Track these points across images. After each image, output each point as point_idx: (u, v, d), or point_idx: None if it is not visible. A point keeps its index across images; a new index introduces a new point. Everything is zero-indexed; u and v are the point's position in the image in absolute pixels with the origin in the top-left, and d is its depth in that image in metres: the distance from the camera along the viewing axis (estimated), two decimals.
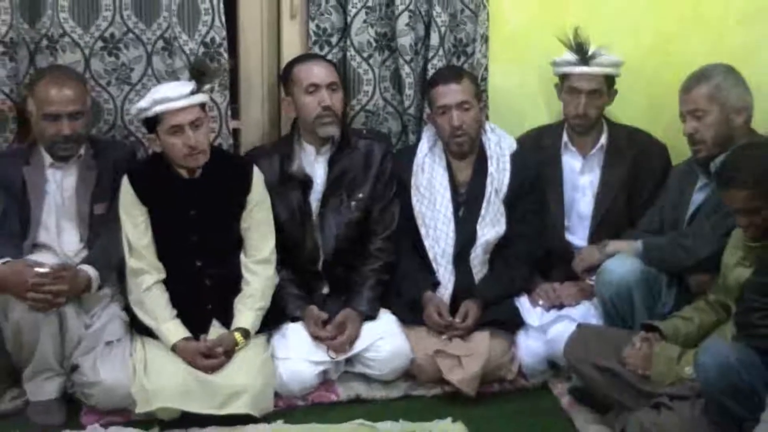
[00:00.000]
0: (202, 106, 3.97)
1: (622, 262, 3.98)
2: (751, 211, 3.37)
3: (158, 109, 3.84)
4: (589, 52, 4.29)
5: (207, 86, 4.05)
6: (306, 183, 4.27)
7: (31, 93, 4.02)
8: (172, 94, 3.86)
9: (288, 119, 4.45)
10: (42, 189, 4.03)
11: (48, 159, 4.05)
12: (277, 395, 3.97)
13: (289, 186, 4.25)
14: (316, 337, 4.09)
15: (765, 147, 3.32)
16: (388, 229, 4.35)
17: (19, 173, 4.02)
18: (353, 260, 4.33)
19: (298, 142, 4.33)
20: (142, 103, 3.89)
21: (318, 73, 4.21)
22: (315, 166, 4.29)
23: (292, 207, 4.25)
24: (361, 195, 4.29)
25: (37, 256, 3.91)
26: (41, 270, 3.75)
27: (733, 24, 4.30)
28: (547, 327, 4.21)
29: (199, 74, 3.99)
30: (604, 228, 4.40)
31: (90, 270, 3.89)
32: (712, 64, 4.02)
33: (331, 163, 4.27)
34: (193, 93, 3.89)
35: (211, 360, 3.85)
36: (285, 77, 4.31)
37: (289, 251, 4.25)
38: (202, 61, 4.16)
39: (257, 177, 4.09)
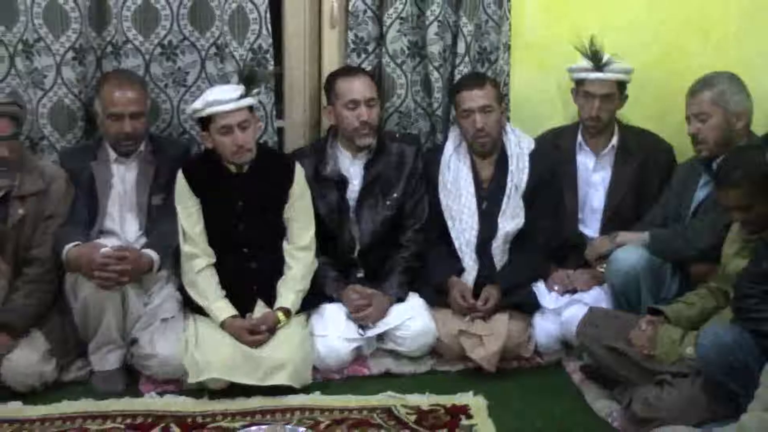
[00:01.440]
0: (250, 108, 3.98)
1: (631, 252, 4.00)
2: (744, 208, 3.39)
3: (210, 110, 3.87)
4: (603, 60, 4.28)
5: (255, 91, 4.05)
6: (342, 183, 4.27)
7: (98, 94, 4.08)
8: (223, 97, 3.88)
9: (328, 122, 4.44)
10: (107, 181, 4.08)
11: (113, 154, 4.09)
12: (314, 369, 3.99)
13: (326, 185, 4.26)
14: (356, 306, 4.13)
15: (757, 150, 3.31)
16: (419, 222, 4.35)
17: (88, 167, 4.07)
18: (386, 249, 4.34)
19: (333, 146, 4.33)
20: (197, 104, 3.93)
21: (358, 89, 4.19)
22: (351, 169, 4.29)
23: (331, 204, 4.26)
24: (395, 195, 4.30)
25: (103, 242, 3.94)
26: (108, 251, 3.80)
27: (733, 37, 4.27)
28: (561, 310, 4.21)
29: (248, 80, 4.00)
30: (614, 221, 4.38)
31: (152, 253, 3.94)
32: (718, 72, 4.01)
33: (367, 167, 4.28)
34: (242, 97, 3.91)
35: (256, 336, 3.88)
36: (328, 88, 4.30)
37: (328, 241, 4.27)
38: (252, 69, 4.16)
39: (299, 172, 4.10)
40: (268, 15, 4.32)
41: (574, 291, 4.30)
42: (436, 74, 4.49)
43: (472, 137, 4.28)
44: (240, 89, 3.95)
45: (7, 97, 4.11)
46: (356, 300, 4.16)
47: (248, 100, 3.95)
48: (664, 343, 3.55)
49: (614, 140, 4.44)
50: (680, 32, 4.61)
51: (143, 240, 4.08)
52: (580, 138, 4.49)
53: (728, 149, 3.83)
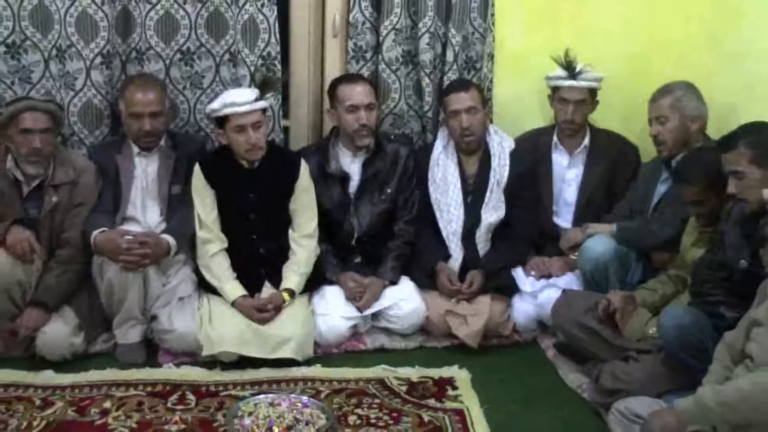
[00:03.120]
0: (263, 110, 3.98)
1: (600, 241, 4.02)
2: (699, 203, 3.43)
3: (227, 111, 3.88)
4: (577, 69, 4.31)
5: (268, 95, 4.07)
6: (344, 179, 4.28)
7: (122, 95, 4.08)
8: (239, 100, 3.88)
9: (329, 122, 4.45)
10: (131, 173, 4.09)
11: (135, 149, 4.10)
12: (316, 344, 4.00)
13: (330, 182, 4.26)
14: (353, 292, 4.15)
15: (711, 152, 3.33)
16: (410, 213, 4.36)
17: (113, 160, 4.08)
18: (381, 238, 4.34)
19: (335, 145, 4.32)
20: (215, 105, 3.93)
21: (358, 95, 4.18)
22: (351, 166, 4.30)
23: (334, 198, 4.26)
24: (389, 190, 4.31)
25: (126, 227, 3.97)
26: (131, 237, 3.82)
27: (692, 51, 4.29)
28: (537, 293, 4.24)
29: (263, 86, 4.01)
30: (585, 213, 4.40)
31: (170, 239, 3.95)
32: (677, 81, 4.04)
33: (366, 165, 4.28)
34: (256, 100, 3.92)
35: (264, 314, 3.89)
36: (331, 92, 4.29)
37: (330, 230, 4.28)
38: (266, 76, 4.16)
39: (304, 168, 4.10)
40: (277, 25, 4.31)
41: (549, 276, 4.31)
42: (427, 80, 4.50)
43: (459, 136, 4.29)
44: (255, 93, 3.95)
45: (46, 95, 4.13)
46: (353, 288, 4.17)
47: (262, 103, 3.96)
48: (635, 321, 3.59)
49: (586, 141, 4.46)
50: (645, 46, 4.62)
51: (163, 226, 4.08)
52: (555, 139, 4.50)
53: (685, 149, 3.88)
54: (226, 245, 4.07)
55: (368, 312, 4.16)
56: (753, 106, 3.73)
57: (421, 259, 4.34)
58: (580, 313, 3.76)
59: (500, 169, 4.33)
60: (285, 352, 3.83)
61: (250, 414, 3.32)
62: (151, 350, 3.97)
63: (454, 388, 3.69)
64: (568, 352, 3.93)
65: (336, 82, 4.30)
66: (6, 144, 3.89)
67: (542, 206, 4.47)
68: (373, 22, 4.45)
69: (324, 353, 4.02)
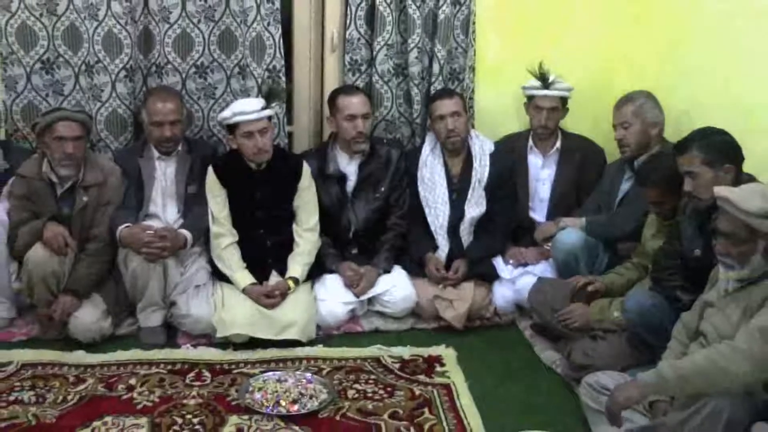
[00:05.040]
0: (269, 118, 3.98)
1: (571, 233, 4.03)
2: (659, 203, 3.45)
3: (237, 118, 3.88)
4: (550, 80, 4.33)
5: (273, 104, 4.07)
6: (342, 180, 4.27)
7: (144, 106, 4.08)
8: (248, 109, 3.88)
9: (329, 129, 4.44)
10: (152, 175, 4.09)
11: (156, 153, 4.10)
12: (318, 326, 4.00)
13: (329, 182, 4.25)
14: (350, 279, 4.14)
15: (670, 157, 3.33)
16: (401, 209, 4.35)
17: (136, 163, 4.08)
18: (375, 231, 4.34)
19: (334, 149, 4.30)
20: (225, 114, 3.93)
21: (355, 105, 4.17)
22: (348, 168, 4.28)
23: (333, 196, 4.25)
24: (383, 189, 4.30)
25: (148, 223, 3.98)
26: (152, 231, 3.84)
27: (653, 63, 4.28)
28: (515, 279, 4.24)
29: (269, 96, 4.01)
30: (558, 208, 4.41)
31: (187, 233, 3.97)
32: (638, 90, 4.05)
33: (361, 167, 4.27)
34: (263, 109, 3.92)
35: (271, 299, 3.89)
36: (331, 102, 4.27)
37: (329, 224, 4.26)
38: (272, 87, 4.15)
39: (306, 170, 4.09)
40: (281, 41, 4.32)
41: (525, 264, 4.31)
42: (415, 90, 4.50)
43: (444, 137, 4.27)
44: (261, 102, 3.95)
45: (77, 106, 4.14)
46: (351, 276, 4.16)
47: (267, 112, 3.95)
48: (594, 311, 3.59)
49: (558, 144, 4.46)
50: (610, 59, 4.63)
51: (180, 222, 4.08)
52: (530, 142, 4.50)
53: (646, 151, 3.90)
54: (236, 238, 4.06)
55: (364, 297, 4.16)
56: (704, 114, 3.74)
57: (411, 250, 4.35)
58: (554, 299, 3.77)
59: (481, 169, 4.32)
60: (290, 334, 3.83)
61: (259, 389, 3.37)
62: (170, 333, 3.97)
63: (442, 365, 3.70)
64: (543, 332, 3.94)
65: (335, 93, 4.30)
66: (42, 150, 3.90)
67: (519, 202, 4.46)
68: (368, 39, 4.45)
69: (325, 335, 4.02)
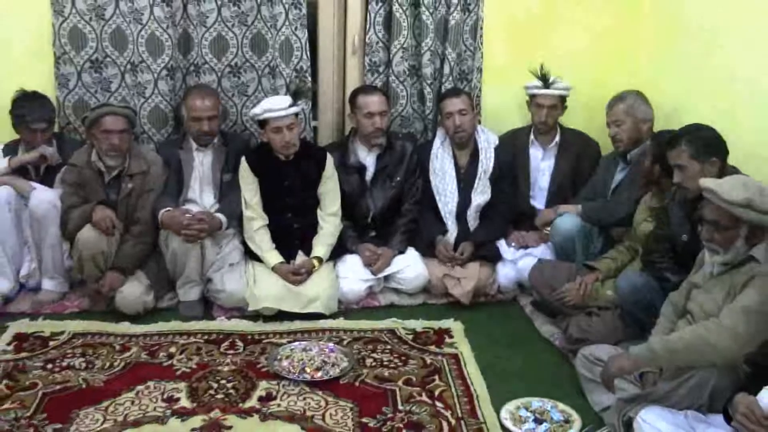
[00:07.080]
0: (296, 114, 3.95)
1: (568, 219, 4.00)
2: (657, 182, 3.40)
3: (266, 115, 3.86)
4: (550, 80, 4.29)
5: (300, 102, 4.05)
6: (361, 170, 4.25)
7: (184, 102, 4.07)
8: (276, 106, 3.86)
9: (349, 125, 4.43)
10: (190, 164, 4.07)
11: (194, 145, 4.09)
12: (339, 301, 3.98)
13: (350, 171, 4.23)
14: (369, 259, 4.12)
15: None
16: (414, 197, 4.32)
17: (176, 154, 4.07)
18: (391, 216, 4.32)
19: (354, 142, 4.28)
20: (256, 110, 3.91)
21: (374, 104, 4.14)
22: (367, 159, 4.26)
23: (353, 185, 4.22)
24: (398, 178, 4.27)
25: (187, 207, 3.97)
26: (191, 215, 3.83)
27: (643, 65, 4.27)
28: (517, 260, 4.21)
29: (296, 94, 3.99)
30: (556, 197, 4.37)
31: (222, 217, 3.95)
32: (629, 89, 4.02)
33: (379, 159, 4.24)
34: (290, 106, 3.89)
35: (297, 276, 3.88)
36: (352, 100, 4.24)
37: (350, 210, 4.24)
38: (299, 86, 4.13)
39: (329, 161, 4.07)
40: (308, 44, 4.30)
41: (526, 247, 4.28)
42: (428, 89, 4.46)
43: (452, 133, 4.25)
44: (289, 100, 3.92)
45: (122, 102, 4.13)
46: (369, 256, 4.15)
47: (294, 109, 3.93)
48: (591, 291, 3.58)
49: (557, 138, 4.42)
50: (604, 61, 4.59)
51: (216, 207, 4.06)
52: (531, 136, 4.46)
53: (638, 145, 3.86)
54: (266, 222, 4.04)
55: (381, 275, 4.14)
56: (692, 110, 3.71)
57: (423, 233, 4.32)
58: (553, 278, 3.74)
59: (487, 161, 4.30)
60: (314, 308, 3.82)
61: (287, 357, 3.37)
62: (207, 306, 3.96)
63: (451, 336, 3.69)
64: (542, 308, 3.91)
65: (356, 92, 4.27)
66: (91, 141, 3.89)
67: (520, 191, 4.43)
68: (385, 42, 4.42)
69: (346, 308, 4.00)
